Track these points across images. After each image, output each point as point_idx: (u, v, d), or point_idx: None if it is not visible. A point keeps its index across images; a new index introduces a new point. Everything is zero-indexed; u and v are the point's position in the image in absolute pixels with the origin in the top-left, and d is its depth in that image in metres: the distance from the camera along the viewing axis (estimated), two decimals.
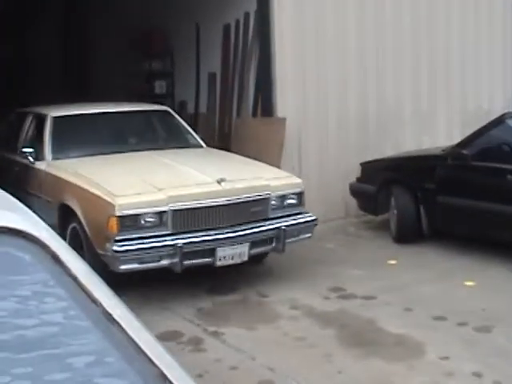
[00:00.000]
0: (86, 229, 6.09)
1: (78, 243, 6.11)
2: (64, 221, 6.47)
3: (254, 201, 6.31)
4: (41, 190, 7.11)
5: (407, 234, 7.85)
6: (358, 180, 8.60)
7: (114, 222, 5.74)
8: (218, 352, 5.05)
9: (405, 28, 9.72)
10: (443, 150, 7.90)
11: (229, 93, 9.66)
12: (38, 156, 7.19)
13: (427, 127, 9.97)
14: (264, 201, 6.36)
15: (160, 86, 11.52)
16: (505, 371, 4.58)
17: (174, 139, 8.01)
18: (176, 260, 5.86)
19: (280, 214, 6.48)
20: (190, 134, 8.02)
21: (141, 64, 11.81)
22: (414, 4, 9.81)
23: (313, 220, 6.69)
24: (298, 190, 6.65)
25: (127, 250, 5.73)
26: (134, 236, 5.81)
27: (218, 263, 6.11)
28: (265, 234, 6.36)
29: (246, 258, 6.24)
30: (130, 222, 5.79)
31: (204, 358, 4.93)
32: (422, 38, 9.91)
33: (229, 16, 9.61)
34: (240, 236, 6.14)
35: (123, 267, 5.79)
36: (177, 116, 8.21)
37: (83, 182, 6.31)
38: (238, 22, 9.45)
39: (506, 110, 8.30)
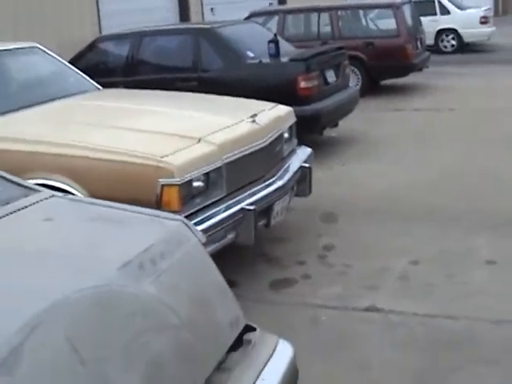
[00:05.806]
0: None
1: None
2: None
3: (277, 138, 5.04)
4: None
5: None
6: None
7: (173, 195, 3.94)
8: None
9: None
10: None
11: None
12: None
13: None
14: (281, 137, 5.14)
15: None
16: None
17: (67, 82, 6.07)
18: (245, 230, 4.38)
19: (287, 152, 5.31)
20: (78, 73, 6.24)
21: None
22: None
23: (312, 153, 5.68)
24: (293, 121, 5.44)
25: (203, 231, 3.79)
26: (193, 210, 4.09)
27: (273, 222, 4.82)
28: (295, 176, 5.17)
29: (286, 211, 5.06)
30: (187, 191, 4.05)
31: None
32: None
33: None
34: (287, 183, 4.94)
35: None
36: (50, 52, 6.29)
37: (73, 148, 4.20)
38: None
39: (95, 36, 10.04)
